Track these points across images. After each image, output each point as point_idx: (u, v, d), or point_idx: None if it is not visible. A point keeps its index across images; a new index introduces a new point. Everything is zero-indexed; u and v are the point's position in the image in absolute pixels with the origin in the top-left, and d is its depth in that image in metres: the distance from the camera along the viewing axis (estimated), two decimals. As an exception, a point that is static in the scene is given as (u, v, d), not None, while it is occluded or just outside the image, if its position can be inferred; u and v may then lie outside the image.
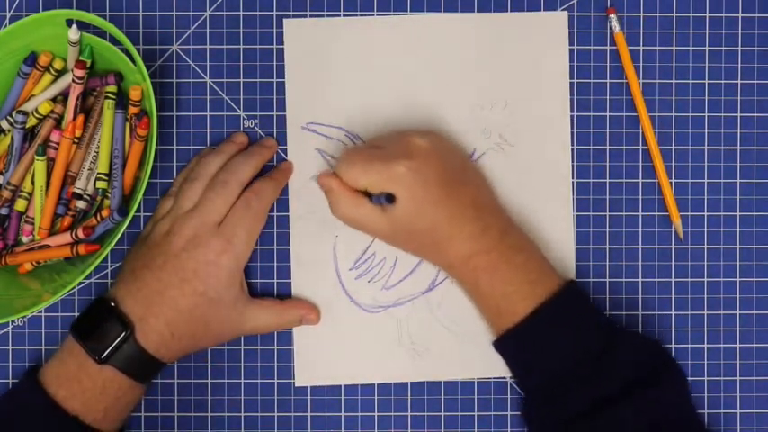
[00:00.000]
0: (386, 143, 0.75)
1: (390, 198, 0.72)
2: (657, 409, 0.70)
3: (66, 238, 0.76)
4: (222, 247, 0.73)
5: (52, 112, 0.77)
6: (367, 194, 0.74)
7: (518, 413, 0.80)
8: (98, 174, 0.77)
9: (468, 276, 0.74)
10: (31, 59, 0.76)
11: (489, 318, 0.75)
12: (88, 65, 0.76)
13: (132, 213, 0.73)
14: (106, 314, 0.72)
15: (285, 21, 0.80)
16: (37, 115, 0.77)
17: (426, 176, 0.72)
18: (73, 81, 0.76)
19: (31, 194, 0.78)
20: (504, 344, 0.74)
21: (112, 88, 0.76)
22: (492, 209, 0.75)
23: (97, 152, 0.77)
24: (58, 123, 0.77)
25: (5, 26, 0.79)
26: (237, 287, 0.75)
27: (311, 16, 0.80)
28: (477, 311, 0.77)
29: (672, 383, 0.72)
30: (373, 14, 0.80)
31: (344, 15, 0.80)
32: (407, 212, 0.72)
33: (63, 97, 0.78)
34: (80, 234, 0.76)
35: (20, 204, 0.78)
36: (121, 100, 0.77)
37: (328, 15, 0.80)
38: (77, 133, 0.76)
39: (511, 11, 0.81)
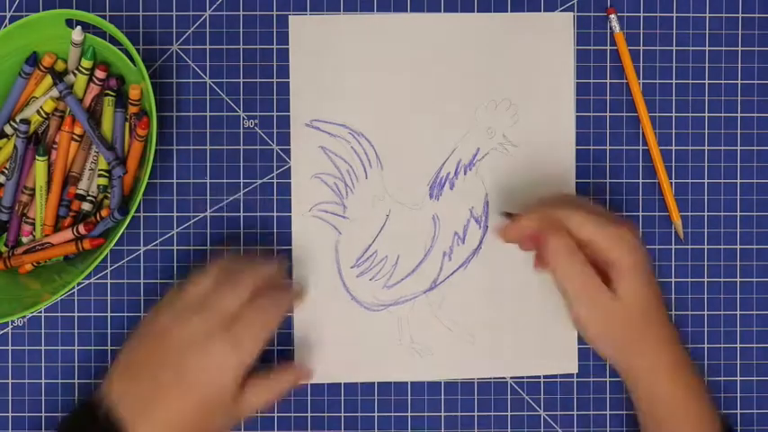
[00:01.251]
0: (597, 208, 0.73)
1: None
2: None
3: (68, 234, 0.76)
4: (229, 351, 0.68)
5: (56, 110, 0.77)
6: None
7: (518, 413, 0.80)
8: (99, 170, 0.77)
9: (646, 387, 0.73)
10: (33, 59, 0.76)
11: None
12: (89, 66, 0.76)
13: (132, 213, 0.73)
14: (94, 421, 0.67)
15: (290, 18, 0.80)
16: (42, 114, 0.76)
17: (644, 253, 0.71)
18: (92, 82, 0.76)
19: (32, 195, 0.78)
20: None
21: (101, 75, 0.76)
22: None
23: (98, 152, 0.77)
24: (61, 122, 0.77)
25: (5, 26, 0.79)
26: (236, 388, 0.70)
27: (311, 16, 0.80)
28: (639, 416, 0.75)
29: None
30: (374, 14, 0.81)
31: (345, 15, 0.80)
32: (633, 286, 0.70)
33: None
34: (81, 230, 0.76)
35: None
36: (121, 99, 0.77)
37: (329, 15, 0.80)
38: (77, 130, 0.76)
39: (511, 11, 0.81)
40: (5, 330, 0.80)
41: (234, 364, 0.69)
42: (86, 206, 0.78)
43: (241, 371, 0.69)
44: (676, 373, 0.72)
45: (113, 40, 0.76)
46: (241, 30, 0.81)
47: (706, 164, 0.81)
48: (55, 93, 0.77)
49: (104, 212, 0.77)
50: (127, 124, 0.77)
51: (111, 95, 0.76)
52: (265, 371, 0.73)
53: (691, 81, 0.81)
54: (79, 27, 0.75)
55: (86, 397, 0.71)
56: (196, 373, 0.68)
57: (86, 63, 0.76)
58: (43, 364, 0.79)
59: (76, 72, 0.77)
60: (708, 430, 0.73)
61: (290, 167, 0.80)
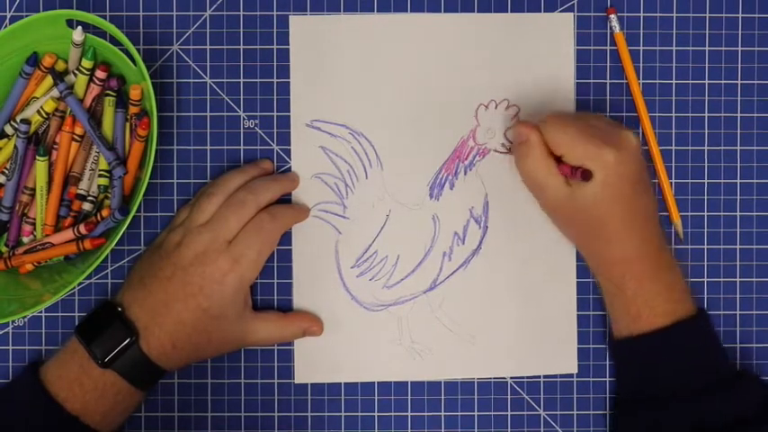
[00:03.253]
0: (596, 122, 0.74)
1: (586, 175, 0.71)
2: None
3: (69, 234, 0.76)
4: (229, 266, 0.73)
5: (57, 110, 0.77)
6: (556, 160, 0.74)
7: (518, 413, 0.80)
8: (99, 171, 0.77)
9: (617, 278, 0.74)
10: (34, 59, 0.76)
11: (622, 319, 0.75)
12: (90, 66, 0.76)
13: (133, 213, 0.73)
14: (112, 319, 0.73)
15: (291, 18, 0.80)
16: (42, 114, 0.77)
17: (626, 171, 0.72)
18: (92, 82, 0.76)
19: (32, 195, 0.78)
20: (634, 346, 0.75)
21: (102, 75, 0.76)
22: (656, 224, 0.75)
23: (99, 151, 0.77)
24: (62, 122, 0.77)
25: (6, 26, 0.79)
26: (241, 304, 0.75)
27: (312, 16, 0.80)
28: (608, 307, 0.77)
29: None
30: (374, 14, 0.81)
31: (345, 15, 0.80)
32: (594, 196, 0.72)
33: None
34: (82, 230, 0.76)
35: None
36: (122, 100, 0.77)
37: (329, 15, 0.80)
38: (77, 130, 0.76)
39: (511, 11, 0.81)
40: (6, 330, 0.80)
41: (234, 278, 0.73)
42: (87, 206, 0.78)
43: (242, 284, 0.74)
44: (633, 263, 0.74)
45: (114, 41, 0.76)
46: (241, 30, 0.81)
47: (706, 164, 0.81)
48: (55, 93, 0.77)
49: (105, 213, 0.77)
50: (127, 124, 0.77)
51: (112, 96, 0.76)
52: (281, 312, 0.79)
53: (691, 81, 0.81)
54: (80, 27, 0.75)
55: (103, 300, 0.75)
56: (200, 284, 0.73)
57: (87, 63, 0.76)
58: (45, 363, 0.79)
59: (77, 72, 0.77)
60: (681, 311, 0.74)
61: (290, 167, 0.80)
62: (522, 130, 0.75)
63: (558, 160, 0.74)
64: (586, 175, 0.71)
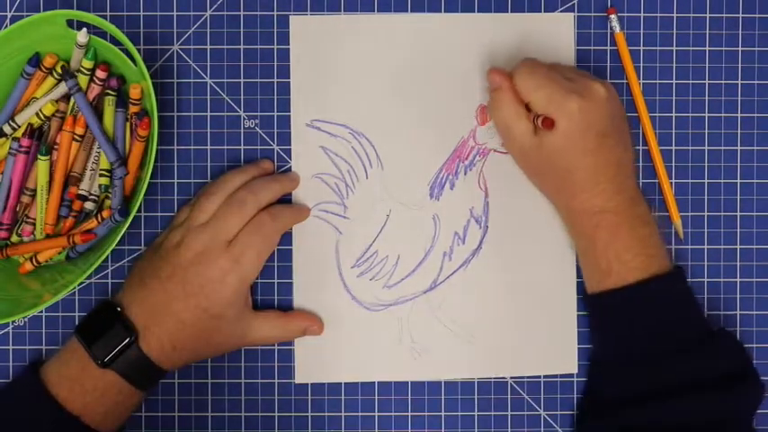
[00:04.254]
0: (568, 74, 0.74)
1: (549, 124, 0.71)
2: (721, 411, 0.71)
3: (63, 242, 0.77)
4: (229, 265, 0.73)
5: (57, 111, 0.77)
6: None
7: (518, 413, 0.80)
8: (100, 170, 0.77)
9: (588, 229, 0.74)
10: (36, 60, 0.76)
11: (594, 273, 0.75)
12: (91, 66, 0.76)
13: (133, 214, 0.73)
14: (112, 319, 0.73)
15: (291, 18, 0.80)
16: (42, 117, 0.77)
17: (590, 122, 0.72)
18: (92, 82, 0.76)
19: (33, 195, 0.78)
20: (606, 300, 0.74)
21: (102, 74, 0.76)
22: (630, 175, 0.75)
23: (99, 151, 0.77)
24: (62, 123, 0.77)
25: (6, 26, 0.79)
26: (241, 304, 0.75)
27: (312, 16, 0.80)
28: (581, 262, 0.77)
29: (744, 395, 0.73)
30: (374, 14, 0.81)
31: (345, 15, 0.81)
32: (558, 145, 0.72)
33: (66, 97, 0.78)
34: (77, 240, 0.76)
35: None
36: (122, 99, 0.77)
37: (329, 15, 0.80)
38: (78, 130, 0.76)
39: (511, 11, 0.81)
40: (6, 330, 0.80)
41: (234, 278, 0.73)
42: (89, 205, 0.78)
43: (242, 285, 0.74)
44: (604, 215, 0.73)
45: (114, 41, 0.76)
46: (242, 30, 0.81)
47: (706, 164, 0.81)
48: (56, 94, 0.77)
49: (105, 214, 0.77)
50: (128, 124, 0.77)
51: (112, 95, 0.76)
52: (282, 311, 0.79)
53: (691, 81, 0.81)
54: (85, 29, 0.75)
55: (103, 300, 0.75)
56: (200, 284, 0.73)
57: (87, 63, 0.76)
58: (45, 362, 0.79)
59: (77, 73, 0.77)
60: (655, 266, 0.73)
61: (290, 167, 0.80)
62: (495, 78, 0.75)
63: (528, 108, 0.74)
64: (548, 123, 0.71)
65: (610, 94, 0.73)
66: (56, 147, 0.77)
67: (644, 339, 0.73)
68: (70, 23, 0.76)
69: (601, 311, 0.76)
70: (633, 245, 0.73)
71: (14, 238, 0.79)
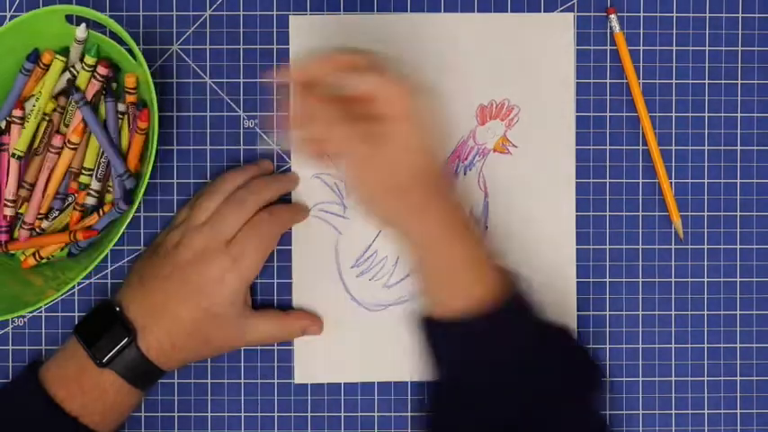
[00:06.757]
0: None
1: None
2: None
3: (65, 237, 0.77)
4: (229, 265, 0.73)
5: (58, 106, 0.77)
6: None
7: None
8: (82, 169, 0.77)
9: (414, 261, 0.70)
10: (35, 56, 0.76)
11: (436, 294, 0.70)
12: (93, 63, 0.76)
13: (137, 203, 0.73)
14: (110, 319, 0.73)
15: (291, 17, 0.80)
16: (42, 116, 0.77)
17: (381, 178, 0.68)
18: (93, 78, 0.76)
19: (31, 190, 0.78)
20: (435, 329, 0.69)
21: (103, 71, 0.76)
22: (435, 217, 0.69)
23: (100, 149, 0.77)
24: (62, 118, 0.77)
25: (5, 23, 0.79)
26: (240, 303, 0.75)
27: (312, 16, 0.80)
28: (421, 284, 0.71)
29: (587, 405, 0.71)
30: (374, 14, 0.81)
31: (345, 15, 0.80)
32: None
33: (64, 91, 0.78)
34: (79, 237, 0.76)
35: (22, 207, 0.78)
36: (111, 91, 0.76)
37: (329, 15, 0.80)
38: (75, 139, 0.76)
39: (511, 11, 0.81)
40: (6, 330, 0.80)
41: (233, 278, 0.73)
42: (90, 200, 0.77)
43: (241, 284, 0.74)
44: (448, 238, 0.68)
45: (113, 37, 0.76)
46: (241, 30, 0.81)
47: (706, 164, 0.81)
48: (55, 90, 0.77)
49: (106, 208, 0.76)
50: (125, 117, 0.77)
51: (100, 81, 0.76)
52: (281, 311, 0.79)
53: (691, 81, 0.81)
54: (83, 25, 0.75)
55: (102, 300, 0.76)
56: (199, 286, 0.73)
57: (90, 60, 0.76)
58: (44, 363, 0.79)
59: (75, 70, 0.76)
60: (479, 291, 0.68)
61: (290, 167, 0.80)
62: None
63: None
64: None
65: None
66: (51, 149, 0.77)
67: (477, 373, 0.68)
68: (69, 19, 0.76)
69: (432, 339, 0.70)
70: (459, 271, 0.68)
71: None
